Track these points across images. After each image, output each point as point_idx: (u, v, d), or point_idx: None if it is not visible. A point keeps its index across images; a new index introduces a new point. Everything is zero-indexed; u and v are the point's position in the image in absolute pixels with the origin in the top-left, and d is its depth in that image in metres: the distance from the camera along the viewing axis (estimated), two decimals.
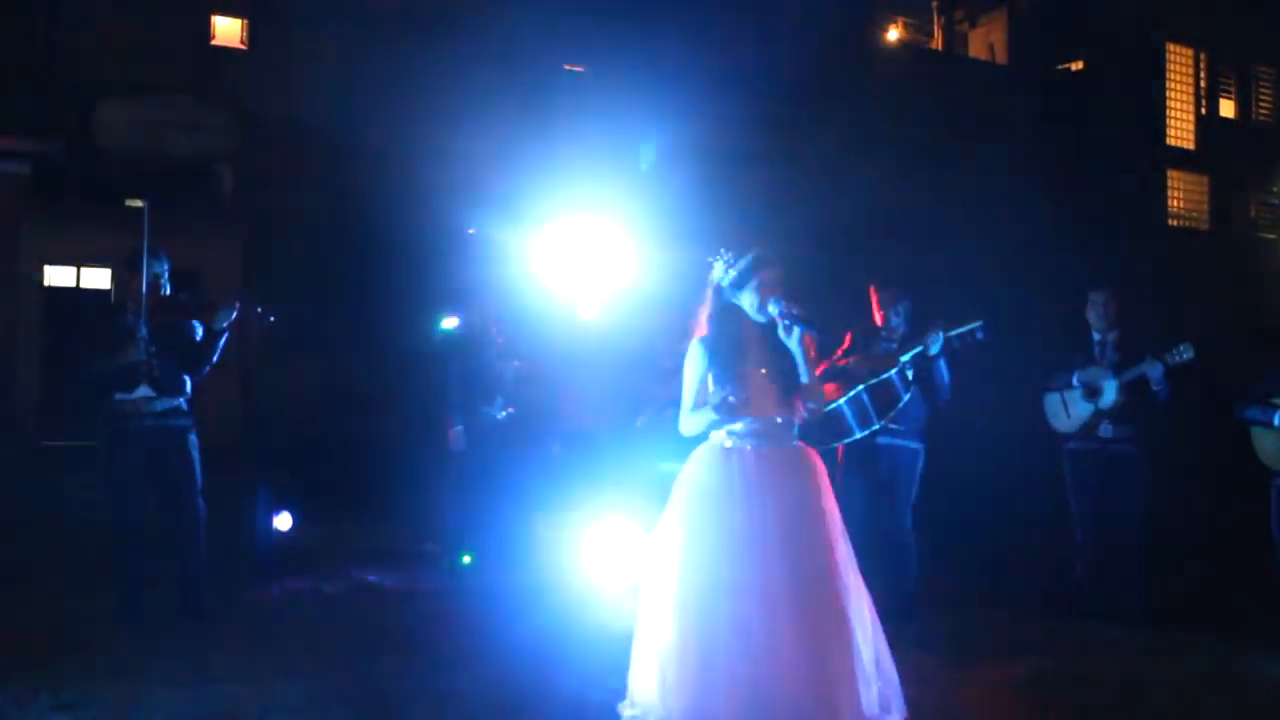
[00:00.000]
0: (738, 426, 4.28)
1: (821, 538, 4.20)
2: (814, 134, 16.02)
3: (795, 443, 4.37)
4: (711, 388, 4.31)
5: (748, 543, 4.11)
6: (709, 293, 4.42)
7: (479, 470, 7.96)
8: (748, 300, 4.34)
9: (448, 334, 8.34)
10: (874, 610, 4.27)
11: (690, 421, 4.37)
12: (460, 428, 8.00)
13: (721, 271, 4.37)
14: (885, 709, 4.18)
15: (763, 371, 4.32)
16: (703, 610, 4.10)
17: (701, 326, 4.40)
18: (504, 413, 8.07)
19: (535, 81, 15.23)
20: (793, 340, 4.29)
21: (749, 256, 4.33)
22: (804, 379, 4.34)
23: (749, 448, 4.27)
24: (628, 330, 8.76)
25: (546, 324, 8.76)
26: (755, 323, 4.36)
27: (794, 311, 4.29)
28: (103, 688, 5.11)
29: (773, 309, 4.30)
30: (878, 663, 4.21)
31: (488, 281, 8.53)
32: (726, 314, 4.37)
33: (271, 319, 6.49)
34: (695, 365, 4.36)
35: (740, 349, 4.32)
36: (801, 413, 4.38)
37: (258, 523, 7.95)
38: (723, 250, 4.38)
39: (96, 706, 4.90)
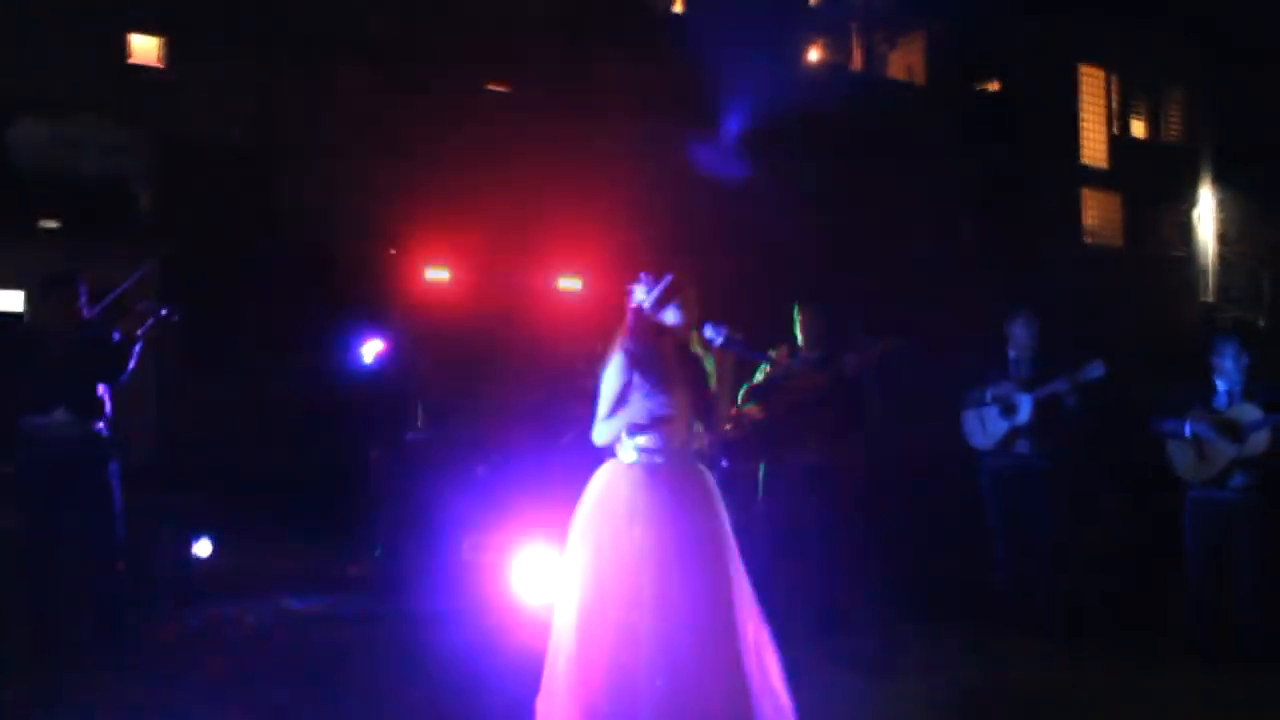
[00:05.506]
0: (645, 441, 4.31)
1: (714, 554, 4.25)
2: (733, 153, 16.12)
3: (693, 462, 4.41)
4: (633, 401, 4.31)
5: (644, 556, 4.15)
6: (631, 313, 4.43)
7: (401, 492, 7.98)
8: (671, 318, 4.38)
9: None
10: (767, 627, 4.31)
11: (604, 429, 4.37)
12: (376, 450, 8.08)
13: (643, 294, 4.41)
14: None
15: (682, 392, 4.35)
16: (602, 622, 4.14)
17: (624, 342, 4.39)
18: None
19: (457, 102, 15.18)
20: (712, 364, 4.38)
21: (667, 279, 4.38)
22: (716, 406, 4.43)
23: (652, 463, 4.30)
24: (549, 349, 8.78)
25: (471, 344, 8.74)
26: (676, 344, 4.40)
27: (736, 338, 4.38)
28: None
29: (710, 334, 4.37)
30: (768, 676, 4.25)
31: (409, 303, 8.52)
32: (648, 332, 4.38)
33: (188, 339, 6.41)
34: (615, 377, 4.35)
35: (661, 369, 4.33)
36: (704, 438, 4.45)
37: (177, 549, 7.83)
38: (642, 274, 4.43)
39: None
